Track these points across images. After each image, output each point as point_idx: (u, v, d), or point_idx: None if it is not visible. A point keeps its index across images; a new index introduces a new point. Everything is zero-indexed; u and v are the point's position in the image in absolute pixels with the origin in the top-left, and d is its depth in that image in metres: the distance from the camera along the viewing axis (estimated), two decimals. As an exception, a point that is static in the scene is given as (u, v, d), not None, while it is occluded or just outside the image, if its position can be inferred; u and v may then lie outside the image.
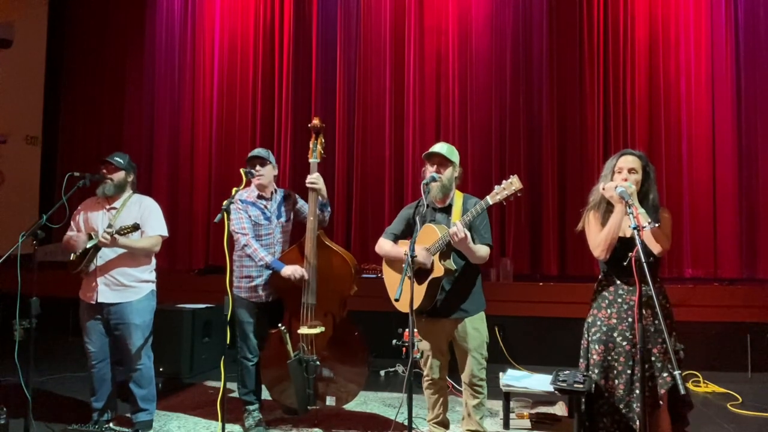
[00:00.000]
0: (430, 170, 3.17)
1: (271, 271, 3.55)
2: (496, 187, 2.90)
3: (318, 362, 3.50)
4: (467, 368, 3.15)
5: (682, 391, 2.20)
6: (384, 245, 3.32)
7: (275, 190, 3.74)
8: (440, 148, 3.19)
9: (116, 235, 3.28)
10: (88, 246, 3.40)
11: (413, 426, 2.95)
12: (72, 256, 3.49)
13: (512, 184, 2.82)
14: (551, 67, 6.15)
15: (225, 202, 3.08)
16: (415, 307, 2.95)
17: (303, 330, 3.49)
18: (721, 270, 5.65)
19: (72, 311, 6.26)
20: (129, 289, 3.49)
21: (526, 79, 6.23)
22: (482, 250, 3.07)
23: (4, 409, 3.41)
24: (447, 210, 3.20)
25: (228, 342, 3.13)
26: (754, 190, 5.68)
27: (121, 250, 3.45)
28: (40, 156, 7.51)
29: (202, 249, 6.75)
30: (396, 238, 3.33)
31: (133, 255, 3.49)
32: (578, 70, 6.10)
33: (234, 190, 3.22)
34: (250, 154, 3.68)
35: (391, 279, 3.29)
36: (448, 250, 3.04)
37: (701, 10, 5.88)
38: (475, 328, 3.14)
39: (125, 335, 3.48)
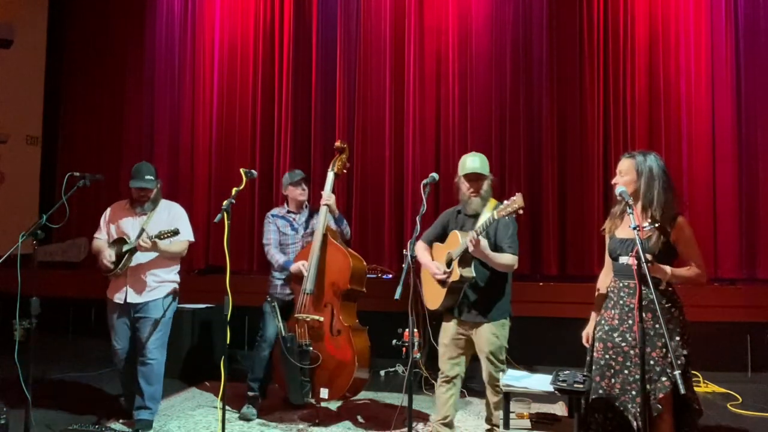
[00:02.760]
0: (465, 186, 3.27)
1: (289, 272, 3.90)
2: (504, 202, 3.00)
3: (310, 348, 3.67)
4: (484, 370, 3.27)
5: (682, 391, 2.19)
6: (417, 249, 3.42)
7: (306, 206, 4.16)
8: (474, 163, 3.27)
9: (156, 240, 3.50)
10: (124, 250, 3.60)
11: (413, 426, 2.96)
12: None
13: (515, 201, 2.90)
14: (551, 67, 6.15)
15: (225, 202, 3.09)
16: (436, 306, 3.25)
17: (299, 315, 3.73)
18: (721, 270, 5.64)
19: (72, 311, 6.28)
20: (155, 290, 3.71)
21: (526, 79, 6.22)
22: (504, 258, 3.16)
23: (5, 409, 3.42)
24: (477, 217, 3.26)
25: (228, 342, 3.13)
26: (754, 190, 5.67)
27: (153, 255, 3.65)
28: (40, 156, 7.51)
29: (202, 249, 6.74)
30: (431, 242, 3.44)
31: (162, 258, 3.70)
32: (578, 70, 6.09)
33: (234, 190, 3.22)
34: (298, 175, 4.09)
35: (426, 281, 3.40)
36: (467, 257, 3.13)
37: (701, 10, 5.88)
38: (493, 334, 3.22)
39: (142, 328, 3.66)
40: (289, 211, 4.11)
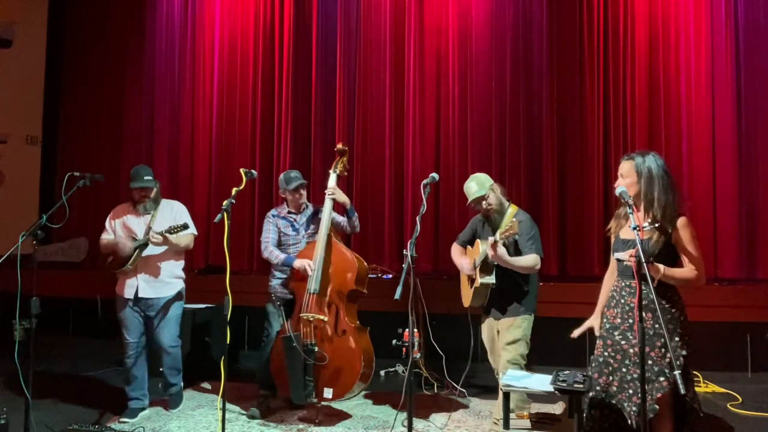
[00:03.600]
0: (478, 209, 3.59)
1: (289, 271, 3.89)
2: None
3: (316, 347, 3.66)
4: (501, 360, 3.48)
5: (682, 391, 2.19)
6: (452, 252, 3.80)
7: (306, 206, 4.13)
8: (471, 189, 3.55)
9: (167, 234, 3.72)
10: (134, 246, 3.81)
11: (413, 426, 2.96)
12: (109, 258, 3.91)
13: (512, 228, 3.15)
14: (551, 67, 6.14)
15: (225, 202, 3.12)
16: (467, 305, 3.65)
17: (304, 315, 3.71)
18: (721, 270, 5.64)
19: (72, 311, 6.28)
20: (165, 285, 3.94)
21: (526, 79, 6.22)
22: (525, 260, 3.37)
23: (5, 409, 3.42)
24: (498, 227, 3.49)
25: (228, 342, 3.13)
26: (754, 190, 5.67)
27: (162, 249, 3.87)
28: (40, 156, 7.51)
29: (202, 249, 6.74)
30: (465, 245, 3.77)
31: (169, 253, 3.94)
32: (578, 70, 6.09)
33: (234, 190, 3.24)
34: (294, 180, 3.99)
35: (463, 283, 3.71)
36: (488, 265, 3.39)
37: (701, 10, 5.87)
38: (511, 326, 3.47)
39: (159, 325, 3.93)
40: (289, 212, 4.09)
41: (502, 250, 3.25)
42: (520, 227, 3.31)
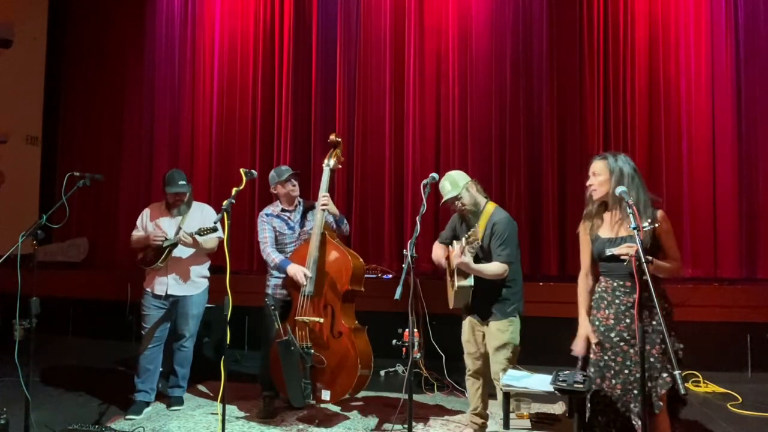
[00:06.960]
0: (453, 208, 3.48)
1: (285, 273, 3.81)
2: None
3: (312, 350, 3.63)
4: (491, 365, 3.41)
5: (682, 391, 2.19)
6: (434, 248, 3.66)
7: (299, 202, 4.05)
8: (443, 190, 3.46)
9: (196, 236, 3.84)
10: (165, 245, 3.93)
11: (413, 426, 2.96)
12: (140, 255, 4.05)
13: (474, 234, 3.16)
14: (551, 67, 6.14)
15: (225, 202, 3.12)
16: (451, 306, 3.49)
17: (300, 317, 3.69)
18: (721, 270, 5.64)
19: (72, 311, 6.29)
20: (193, 284, 4.12)
21: (526, 79, 6.21)
22: (490, 268, 3.27)
23: (5, 409, 3.42)
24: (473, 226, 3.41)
25: (228, 342, 3.13)
26: (754, 190, 5.67)
27: (191, 251, 4.02)
28: (40, 156, 7.51)
29: (202, 249, 6.74)
30: (447, 243, 3.63)
31: (199, 254, 4.09)
32: (578, 70, 6.09)
33: (234, 189, 3.24)
34: (285, 172, 3.94)
35: (447, 283, 3.58)
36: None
37: (701, 10, 5.87)
38: (498, 329, 3.35)
39: (182, 323, 4.09)
40: (283, 210, 3.99)
41: (467, 259, 3.17)
42: (493, 230, 3.30)
